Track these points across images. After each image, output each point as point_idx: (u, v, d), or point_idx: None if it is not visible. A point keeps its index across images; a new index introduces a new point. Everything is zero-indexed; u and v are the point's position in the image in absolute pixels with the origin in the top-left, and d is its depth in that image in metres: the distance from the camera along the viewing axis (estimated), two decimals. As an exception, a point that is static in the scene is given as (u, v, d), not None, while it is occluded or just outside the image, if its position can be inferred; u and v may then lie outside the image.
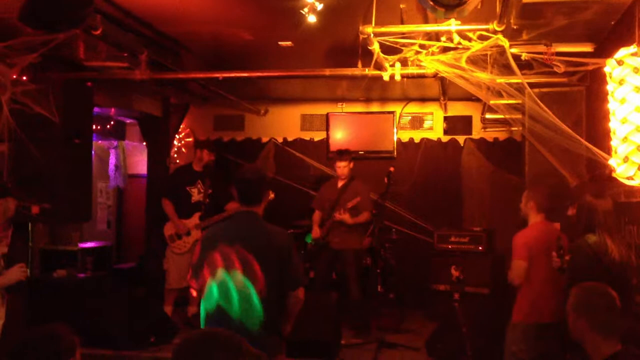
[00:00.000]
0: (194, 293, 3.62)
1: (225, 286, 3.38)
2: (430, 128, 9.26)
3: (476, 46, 4.60)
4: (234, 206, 7.03)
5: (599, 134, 4.50)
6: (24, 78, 5.81)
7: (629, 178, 3.36)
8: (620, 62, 3.40)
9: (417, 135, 9.26)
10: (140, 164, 9.85)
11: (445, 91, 7.60)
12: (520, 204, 4.86)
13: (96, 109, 7.38)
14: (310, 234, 7.35)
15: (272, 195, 7.20)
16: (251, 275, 3.37)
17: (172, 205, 7.09)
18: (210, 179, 7.24)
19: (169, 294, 7.14)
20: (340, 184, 7.25)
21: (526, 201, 4.81)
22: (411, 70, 5.63)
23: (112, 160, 9.82)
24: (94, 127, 7.46)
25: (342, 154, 7.24)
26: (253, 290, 3.37)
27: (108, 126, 9.01)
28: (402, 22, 5.13)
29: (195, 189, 7.15)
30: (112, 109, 8.32)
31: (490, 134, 8.95)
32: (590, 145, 4.19)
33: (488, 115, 7.70)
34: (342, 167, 7.16)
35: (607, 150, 3.66)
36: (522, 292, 4.70)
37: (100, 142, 9.40)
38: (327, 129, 8.78)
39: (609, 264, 3.73)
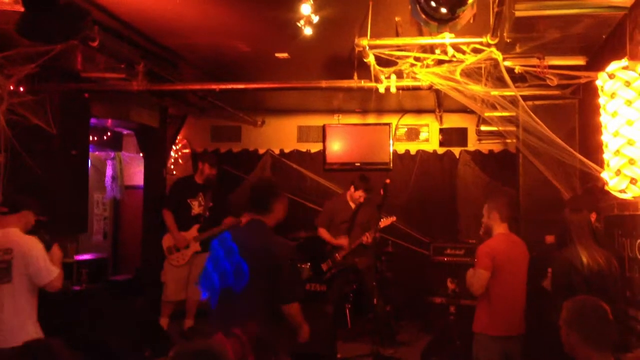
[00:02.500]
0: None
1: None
2: (426, 140, 9.30)
3: (470, 59, 4.63)
4: (231, 220, 7.04)
5: (592, 147, 4.52)
6: (21, 89, 5.84)
7: (621, 191, 3.39)
8: (611, 76, 3.43)
9: (413, 147, 9.30)
10: (137, 175, 9.84)
11: (441, 103, 7.63)
12: (482, 217, 4.88)
13: (93, 120, 7.40)
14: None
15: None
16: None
17: (173, 216, 7.07)
18: (212, 192, 7.23)
19: (165, 306, 7.12)
20: (353, 205, 7.29)
21: (488, 213, 4.83)
22: (406, 82, 5.66)
23: (108, 171, 9.81)
24: (90, 138, 7.48)
25: (368, 181, 7.25)
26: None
27: (105, 137, 9.02)
28: (397, 35, 5.17)
29: (196, 201, 7.14)
30: (109, 120, 8.32)
31: (486, 146, 8.99)
32: (583, 158, 4.21)
33: (483, 128, 7.75)
34: (362, 198, 7.22)
35: (600, 163, 3.68)
36: (482, 303, 4.73)
37: (97, 153, 9.40)
38: (324, 141, 8.80)
39: (587, 275, 3.77)
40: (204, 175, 7.24)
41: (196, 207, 7.14)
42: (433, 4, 3.23)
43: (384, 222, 7.11)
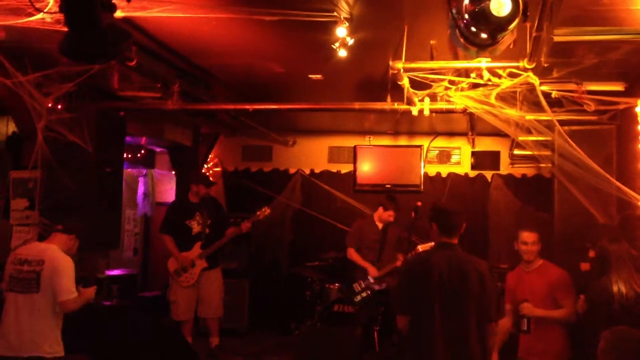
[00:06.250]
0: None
1: None
2: (458, 163, 9.24)
3: (506, 83, 4.60)
4: (232, 231, 7.05)
5: (629, 174, 4.46)
6: (59, 107, 5.95)
7: (660, 220, 3.32)
8: (652, 103, 3.38)
9: (444, 170, 9.25)
10: (168, 192, 9.92)
11: (474, 126, 7.59)
12: (534, 246, 4.73)
13: (128, 138, 7.50)
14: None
15: (267, 211, 7.30)
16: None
17: (172, 240, 7.06)
18: (208, 209, 7.20)
19: (183, 325, 7.08)
20: (380, 225, 7.26)
21: (540, 242, 4.74)
22: (440, 105, 5.64)
23: (140, 188, 9.90)
24: (124, 155, 7.58)
25: (396, 201, 7.23)
26: None
27: (138, 155, 9.12)
28: (432, 58, 5.16)
29: (194, 221, 7.10)
30: (144, 138, 8.43)
31: (518, 170, 8.89)
32: (621, 185, 4.14)
33: (516, 152, 7.65)
34: (392, 217, 7.17)
35: (638, 190, 3.62)
36: (560, 329, 4.63)
37: (129, 170, 9.51)
38: (355, 162, 8.80)
39: (624, 305, 3.69)
40: (199, 195, 7.19)
41: (195, 227, 7.11)
42: (473, 29, 3.21)
43: (424, 247, 7.04)
